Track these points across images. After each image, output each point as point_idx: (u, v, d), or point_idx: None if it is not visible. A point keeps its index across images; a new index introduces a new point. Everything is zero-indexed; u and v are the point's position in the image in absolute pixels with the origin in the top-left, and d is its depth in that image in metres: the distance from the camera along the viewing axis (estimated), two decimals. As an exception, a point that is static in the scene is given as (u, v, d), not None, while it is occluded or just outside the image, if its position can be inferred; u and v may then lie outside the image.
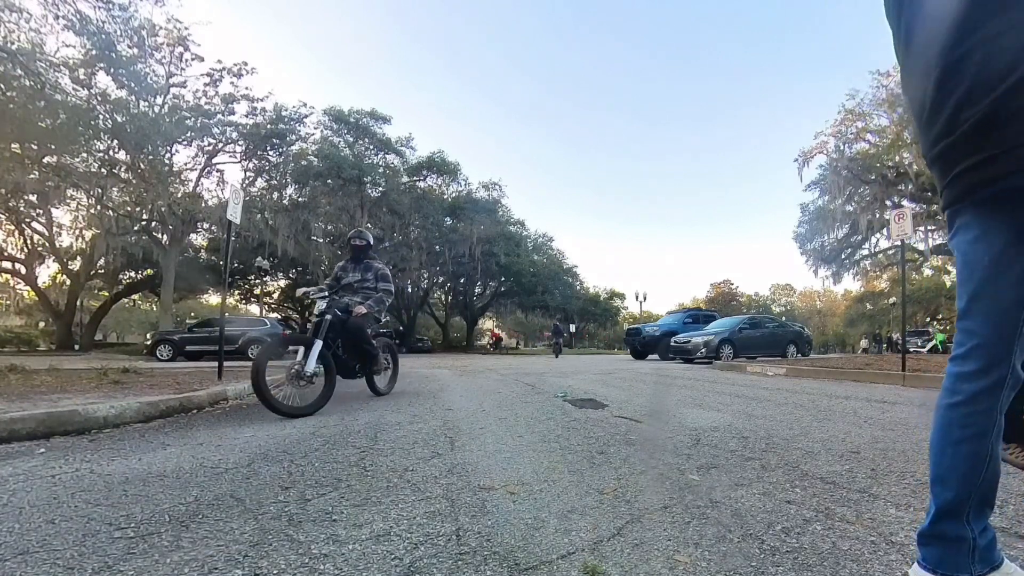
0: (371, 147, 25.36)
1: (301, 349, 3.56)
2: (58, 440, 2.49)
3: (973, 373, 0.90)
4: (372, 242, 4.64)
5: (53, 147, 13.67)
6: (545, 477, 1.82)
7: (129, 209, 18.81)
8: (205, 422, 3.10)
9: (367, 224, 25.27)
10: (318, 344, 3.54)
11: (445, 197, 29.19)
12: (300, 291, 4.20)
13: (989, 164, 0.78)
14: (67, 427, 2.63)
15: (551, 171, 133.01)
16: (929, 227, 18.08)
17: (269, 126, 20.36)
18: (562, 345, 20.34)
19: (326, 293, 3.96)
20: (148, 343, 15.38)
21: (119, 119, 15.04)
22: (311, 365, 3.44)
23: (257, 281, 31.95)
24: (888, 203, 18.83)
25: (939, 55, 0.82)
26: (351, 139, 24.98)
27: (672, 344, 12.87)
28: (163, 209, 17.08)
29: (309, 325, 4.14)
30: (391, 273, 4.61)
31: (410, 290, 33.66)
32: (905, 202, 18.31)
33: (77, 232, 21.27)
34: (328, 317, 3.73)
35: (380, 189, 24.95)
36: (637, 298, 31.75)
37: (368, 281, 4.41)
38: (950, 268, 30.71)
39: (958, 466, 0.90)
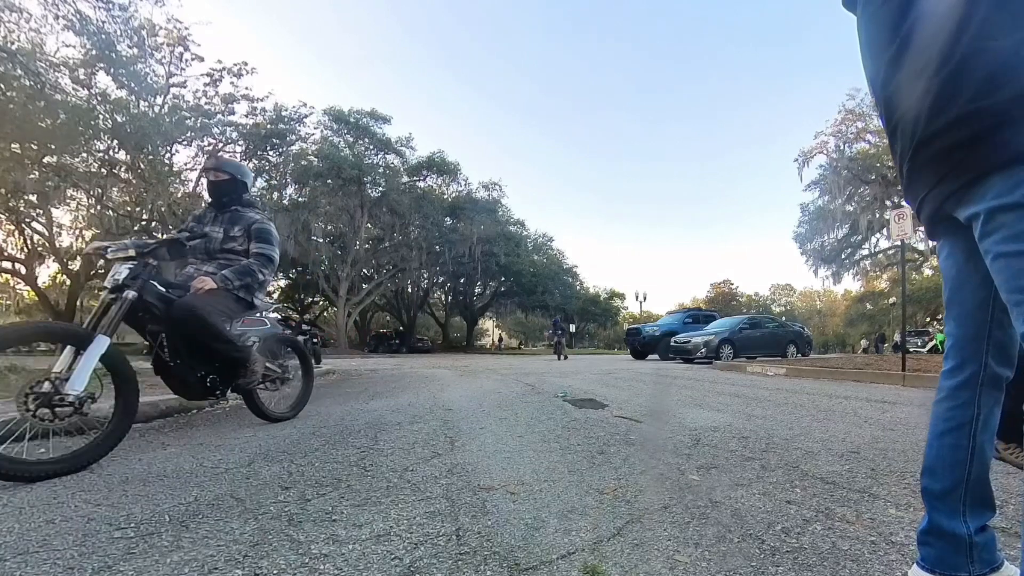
0: (371, 147, 25.38)
1: (69, 350, 1.97)
2: (58, 440, 2.49)
3: (950, 370, 1.00)
4: (248, 180, 3.06)
5: (53, 147, 13.66)
6: (545, 477, 1.82)
7: (129, 209, 18.82)
8: (205, 422, 3.10)
9: (367, 223, 25.28)
10: (100, 343, 1.98)
11: (445, 197, 29.20)
12: (93, 245, 2.38)
13: (924, 204, 0.96)
14: (68, 427, 2.62)
15: (551, 171, 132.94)
16: (929, 227, 18.04)
17: (269, 126, 20.38)
18: (564, 344, 16.89)
19: (132, 252, 2.27)
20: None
21: (119, 119, 15.04)
22: (80, 380, 1.90)
23: (257, 281, 31.91)
24: (888, 203, 18.86)
25: (886, 122, 1.03)
26: (351, 139, 25.01)
27: (672, 344, 12.86)
28: (163, 209, 17.07)
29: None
30: (275, 232, 3.02)
31: (410, 290, 33.71)
32: (905, 202, 18.30)
33: (77, 232, 21.28)
34: (129, 295, 2.16)
35: (380, 189, 24.98)
36: (637, 298, 31.79)
37: (235, 241, 2.85)
38: (950, 268, 30.66)
39: (944, 457, 0.97)
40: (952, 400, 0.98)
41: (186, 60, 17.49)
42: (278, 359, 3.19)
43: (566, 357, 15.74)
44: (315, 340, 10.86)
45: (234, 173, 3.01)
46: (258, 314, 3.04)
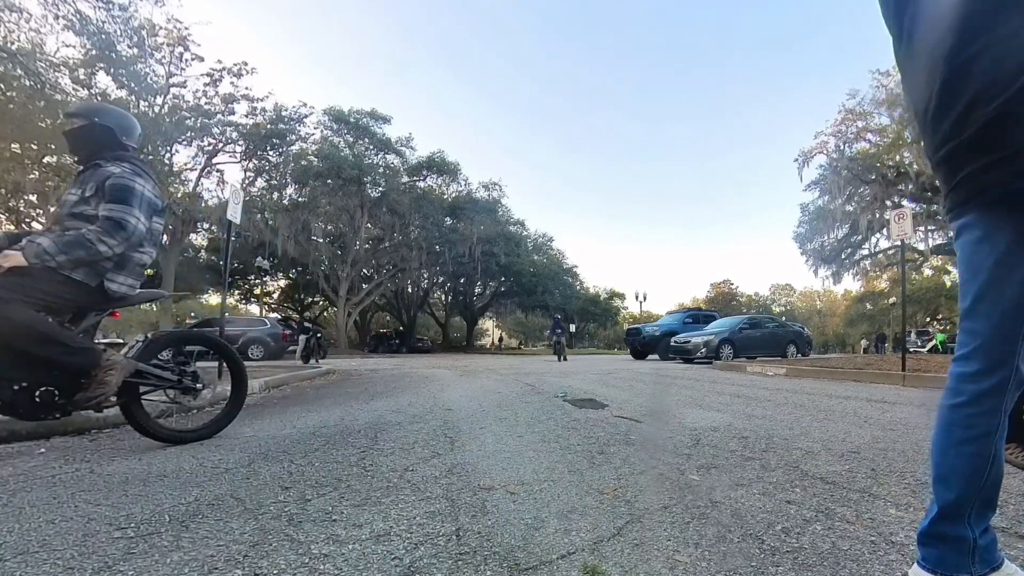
0: (371, 147, 25.39)
1: None
2: (58, 440, 2.49)
3: (976, 374, 0.89)
4: (115, 124, 2.31)
5: (53, 147, 13.68)
6: (545, 477, 1.82)
7: (129, 209, 18.83)
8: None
9: (367, 223, 25.24)
10: None
11: (445, 197, 29.21)
12: None
13: (998, 166, 0.78)
14: (67, 427, 2.63)
15: (551, 171, 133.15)
16: (929, 227, 18.05)
17: (269, 126, 20.40)
18: (565, 344, 15.82)
19: None
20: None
21: (119, 119, 15.07)
22: None
23: (257, 281, 32.01)
24: (888, 203, 18.82)
25: (945, 57, 0.81)
26: (351, 139, 25.01)
27: (672, 344, 12.87)
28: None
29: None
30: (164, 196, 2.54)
31: (410, 290, 33.70)
32: (905, 202, 18.29)
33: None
34: None
35: (380, 189, 24.98)
36: (637, 298, 31.75)
37: (88, 203, 2.16)
38: (950, 268, 30.72)
39: (961, 467, 0.89)
40: (976, 407, 0.88)
41: (186, 60, 17.52)
42: (183, 364, 2.51)
43: (566, 358, 15.01)
44: (319, 335, 10.93)
45: (90, 116, 2.29)
46: (116, 303, 2.27)
